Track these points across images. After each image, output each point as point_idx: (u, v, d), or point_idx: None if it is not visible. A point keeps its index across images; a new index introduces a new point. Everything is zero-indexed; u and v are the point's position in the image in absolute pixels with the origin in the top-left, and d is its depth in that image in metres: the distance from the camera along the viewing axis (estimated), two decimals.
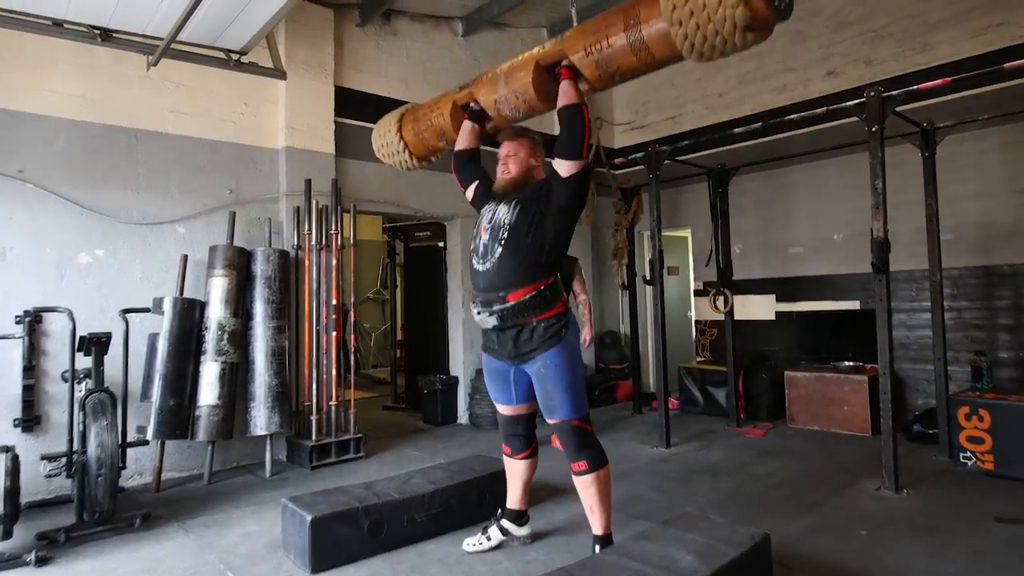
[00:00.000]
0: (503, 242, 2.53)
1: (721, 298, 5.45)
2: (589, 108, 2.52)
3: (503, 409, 2.82)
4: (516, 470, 2.87)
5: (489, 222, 2.64)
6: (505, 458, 2.90)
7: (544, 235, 2.52)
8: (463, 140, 2.92)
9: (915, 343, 5.08)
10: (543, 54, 2.58)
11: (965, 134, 4.61)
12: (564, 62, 2.51)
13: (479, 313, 2.61)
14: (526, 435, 2.84)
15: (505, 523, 2.90)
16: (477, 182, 2.88)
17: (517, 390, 2.73)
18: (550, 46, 2.60)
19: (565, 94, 2.48)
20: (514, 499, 2.91)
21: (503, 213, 2.60)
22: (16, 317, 3.58)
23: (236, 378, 4.17)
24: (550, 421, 2.60)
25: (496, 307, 2.53)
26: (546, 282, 2.53)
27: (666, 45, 2.18)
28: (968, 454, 3.90)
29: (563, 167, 2.49)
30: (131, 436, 3.78)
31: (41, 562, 2.81)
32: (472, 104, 2.89)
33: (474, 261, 2.65)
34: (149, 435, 3.81)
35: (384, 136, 3.29)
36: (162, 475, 3.95)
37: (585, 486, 2.57)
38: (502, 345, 2.63)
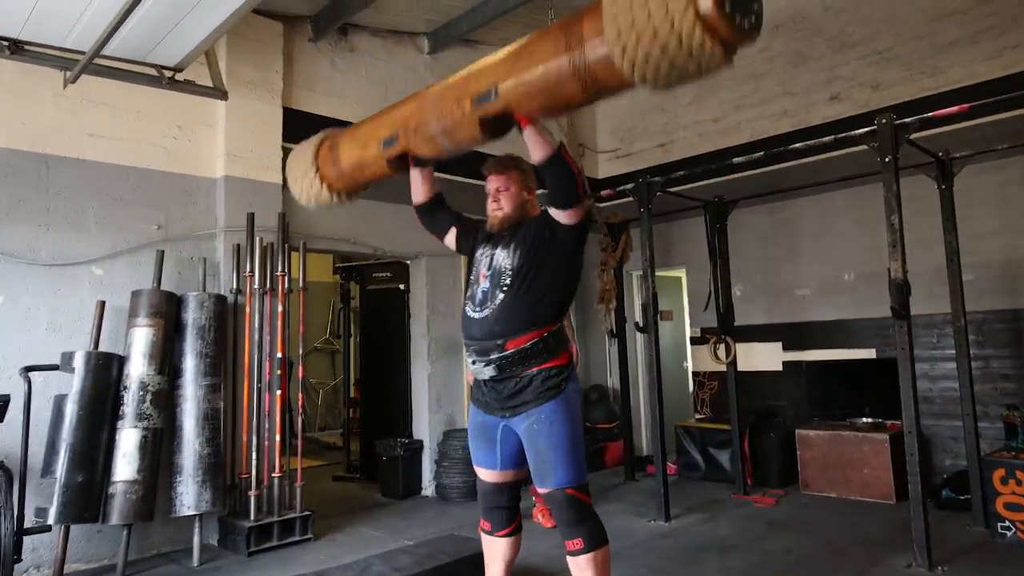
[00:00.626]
0: (505, 288, 2.57)
1: (722, 346, 5.47)
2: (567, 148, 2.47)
3: (485, 475, 2.75)
4: (497, 551, 2.77)
5: (488, 268, 2.66)
6: (484, 537, 2.80)
7: (549, 278, 2.57)
8: (419, 192, 2.88)
9: (939, 396, 5.14)
10: (485, 111, 2.31)
11: (984, 164, 4.77)
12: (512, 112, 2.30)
13: (474, 363, 2.62)
14: (509, 507, 2.75)
15: None
16: (455, 228, 2.89)
17: (503, 452, 2.68)
18: (479, 80, 2.33)
19: (536, 145, 2.37)
20: None
21: (502, 258, 2.63)
22: None
23: (160, 447, 4.00)
24: (541, 490, 2.54)
25: (494, 356, 2.54)
26: (549, 329, 2.55)
27: (611, 73, 1.96)
28: (1007, 523, 3.91)
29: (563, 216, 2.53)
30: (29, 521, 3.57)
31: None
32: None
33: (468, 309, 2.66)
34: (51, 519, 3.59)
35: (307, 189, 2.98)
36: (65, 567, 3.73)
37: (580, 569, 2.50)
38: (492, 398, 2.62)
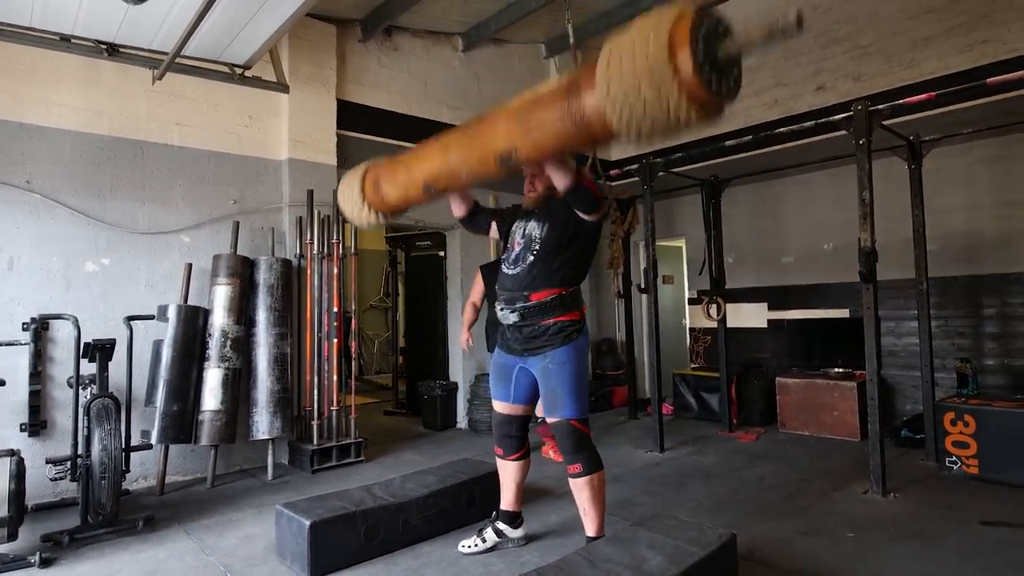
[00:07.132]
0: (535, 253, 2.67)
1: (714, 306, 5.45)
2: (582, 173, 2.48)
3: (500, 407, 2.85)
4: (509, 472, 2.88)
5: (522, 236, 2.77)
6: (498, 460, 2.91)
7: (571, 250, 2.65)
8: (459, 207, 2.93)
9: (903, 350, 5.07)
10: (508, 164, 2.21)
11: (951, 147, 4.62)
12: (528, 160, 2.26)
13: (502, 310, 2.72)
14: (519, 436, 2.86)
15: (500, 525, 2.90)
16: (494, 222, 2.98)
17: (517, 389, 2.79)
18: (500, 140, 2.18)
19: (558, 177, 2.45)
20: (507, 501, 2.91)
21: (534, 228, 2.73)
22: (23, 324, 3.59)
23: (239, 384, 4.17)
24: (550, 420, 2.62)
25: (519, 304, 2.64)
26: (567, 290, 2.64)
27: (602, 125, 1.86)
28: (954, 458, 3.89)
29: (586, 217, 2.61)
30: (135, 440, 3.78)
31: (45, 563, 2.80)
32: None
33: (505, 267, 2.78)
34: (153, 439, 3.80)
35: (357, 214, 2.94)
36: (166, 478, 3.94)
37: (579, 489, 2.60)
38: (515, 340, 2.71)
